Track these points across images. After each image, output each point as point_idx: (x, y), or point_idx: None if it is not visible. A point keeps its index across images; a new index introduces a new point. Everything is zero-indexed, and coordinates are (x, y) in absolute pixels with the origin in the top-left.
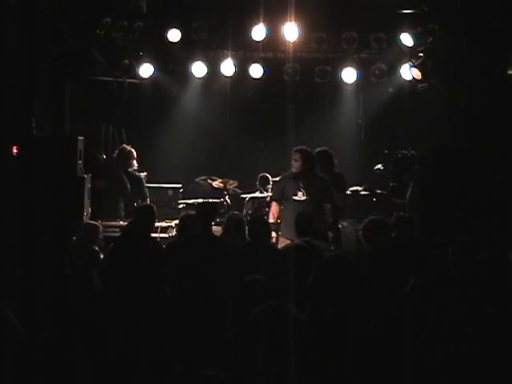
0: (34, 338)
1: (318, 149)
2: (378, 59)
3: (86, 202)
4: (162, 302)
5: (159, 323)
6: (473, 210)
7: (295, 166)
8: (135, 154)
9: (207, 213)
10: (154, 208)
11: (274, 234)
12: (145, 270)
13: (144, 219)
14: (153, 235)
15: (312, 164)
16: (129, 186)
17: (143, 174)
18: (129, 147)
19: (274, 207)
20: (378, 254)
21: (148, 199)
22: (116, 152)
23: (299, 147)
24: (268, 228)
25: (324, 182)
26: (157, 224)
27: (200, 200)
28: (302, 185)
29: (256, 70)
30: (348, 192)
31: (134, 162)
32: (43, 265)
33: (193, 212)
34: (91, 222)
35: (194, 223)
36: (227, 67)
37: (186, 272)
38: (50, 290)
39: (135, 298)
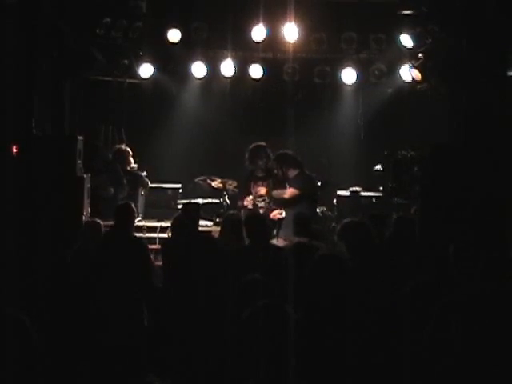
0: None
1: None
2: (378, 60)
3: (86, 201)
4: (148, 300)
5: (148, 322)
6: (473, 209)
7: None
8: (131, 151)
9: (194, 212)
10: (132, 205)
11: None
12: (126, 268)
13: (122, 217)
14: (152, 235)
15: (292, 167)
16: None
17: (143, 174)
18: (123, 146)
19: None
20: (353, 254)
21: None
22: (111, 153)
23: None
24: (266, 227)
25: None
26: (156, 224)
27: (199, 200)
28: (287, 185)
29: (256, 71)
30: (347, 193)
31: (131, 159)
32: (43, 264)
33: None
34: (93, 219)
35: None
36: (227, 67)
37: (176, 271)
38: (50, 289)
39: (118, 296)
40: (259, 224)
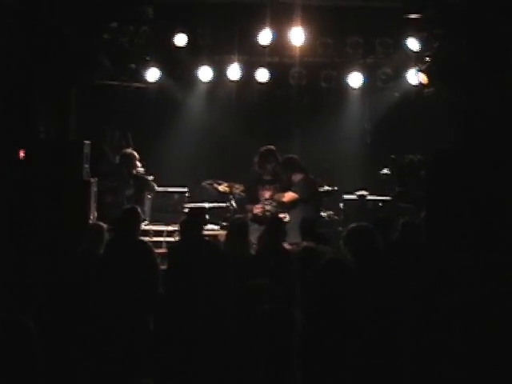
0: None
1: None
2: (384, 64)
3: (92, 205)
4: (154, 303)
5: (151, 324)
6: (478, 213)
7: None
8: (137, 155)
9: (200, 216)
10: (138, 209)
11: None
12: (133, 271)
13: (128, 221)
14: (159, 239)
15: (296, 172)
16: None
17: (150, 178)
18: (130, 150)
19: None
20: (358, 261)
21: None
22: (118, 157)
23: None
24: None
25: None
26: (162, 228)
27: (206, 204)
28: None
29: (262, 75)
30: (354, 196)
31: (138, 163)
32: (49, 267)
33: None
34: (96, 222)
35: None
36: (233, 72)
37: (182, 275)
38: (53, 294)
39: (124, 300)
40: (280, 227)
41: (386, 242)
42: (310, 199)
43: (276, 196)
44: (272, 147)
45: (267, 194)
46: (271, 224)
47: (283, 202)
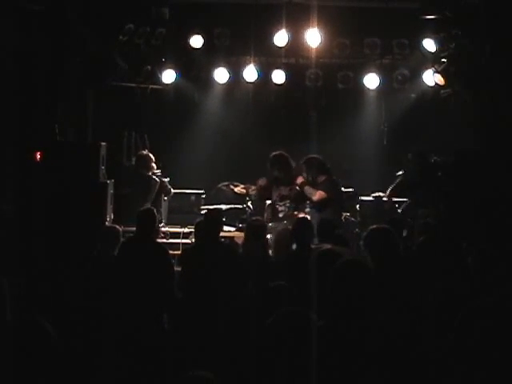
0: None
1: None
2: (401, 65)
3: (109, 207)
4: (168, 305)
5: (166, 325)
6: (495, 215)
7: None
8: (153, 157)
9: (216, 218)
10: (154, 211)
11: None
12: (148, 272)
13: (144, 222)
14: (175, 241)
15: (320, 173)
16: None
17: (166, 180)
18: (145, 151)
19: None
20: (379, 263)
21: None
22: (134, 159)
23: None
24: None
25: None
26: (179, 230)
27: (222, 206)
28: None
29: (278, 76)
30: (370, 198)
31: (154, 165)
32: (67, 270)
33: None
34: (111, 225)
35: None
36: (250, 73)
37: (193, 279)
38: (74, 293)
39: (139, 301)
40: (308, 228)
41: (404, 244)
42: (338, 200)
43: (307, 189)
44: (278, 153)
45: (299, 180)
46: (298, 225)
47: (312, 200)
